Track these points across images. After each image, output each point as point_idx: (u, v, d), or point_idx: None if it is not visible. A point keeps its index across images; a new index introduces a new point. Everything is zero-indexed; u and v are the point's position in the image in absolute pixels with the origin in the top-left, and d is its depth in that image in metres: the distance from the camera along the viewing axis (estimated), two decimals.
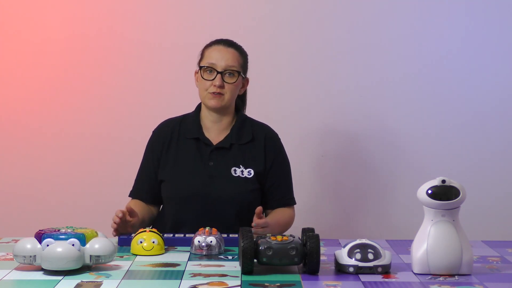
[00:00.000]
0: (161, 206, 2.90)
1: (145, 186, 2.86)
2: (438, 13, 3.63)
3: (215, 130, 2.86)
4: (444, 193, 2.13)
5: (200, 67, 2.82)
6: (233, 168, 2.81)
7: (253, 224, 2.57)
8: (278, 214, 2.83)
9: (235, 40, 2.90)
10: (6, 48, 3.66)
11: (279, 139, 2.92)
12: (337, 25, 3.63)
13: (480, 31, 3.63)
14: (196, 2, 3.64)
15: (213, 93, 2.78)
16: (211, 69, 2.79)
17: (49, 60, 3.66)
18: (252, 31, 3.59)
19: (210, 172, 2.80)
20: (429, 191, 2.14)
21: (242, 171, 2.81)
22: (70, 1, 3.65)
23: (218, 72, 2.78)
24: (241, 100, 2.93)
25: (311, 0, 3.63)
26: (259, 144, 2.86)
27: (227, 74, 2.79)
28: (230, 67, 2.79)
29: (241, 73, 2.82)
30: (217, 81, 2.78)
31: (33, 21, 3.65)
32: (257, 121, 2.93)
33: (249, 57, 2.91)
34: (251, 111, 2.96)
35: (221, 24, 3.57)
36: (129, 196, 2.89)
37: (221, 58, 2.80)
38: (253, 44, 3.40)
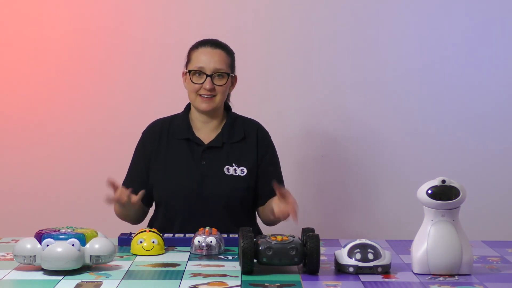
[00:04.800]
0: (154, 207, 2.90)
1: (135, 186, 2.85)
2: (434, 13, 3.62)
3: (205, 130, 2.86)
4: (444, 193, 2.14)
5: (189, 71, 2.81)
6: (226, 166, 2.81)
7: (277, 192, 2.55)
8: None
9: (230, 39, 2.90)
10: (4, 48, 3.67)
11: (269, 136, 2.92)
12: (334, 27, 3.62)
13: (479, 30, 3.62)
14: (187, 2, 3.64)
15: (204, 96, 2.78)
16: (200, 72, 2.79)
17: (44, 61, 3.65)
18: (244, 31, 3.59)
19: (202, 171, 2.80)
20: (429, 191, 2.14)
21: (235, 169, 2.81)
22: (65, 1, 3.65)
23: (207, 76, 2.78)
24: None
25: (305, 1, 3.62)
26: (250, 141, 2.86)
27: (216, 77, 2.79)
28: (218, 69, 2.79)
29: (230, 74, 2.82)
30: (207, 85, 2.77)
31: (28, 20, 3.65)
32: (247, 118, 2.93)
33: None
34: (239, 112, 2.95)
35: (214, 23, 3.57)
36: None
37: (209, 60, 2.79)
38: (247, 44, 3.42)
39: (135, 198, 2.63)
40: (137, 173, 2.86)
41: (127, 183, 2.87)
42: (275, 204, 2.62)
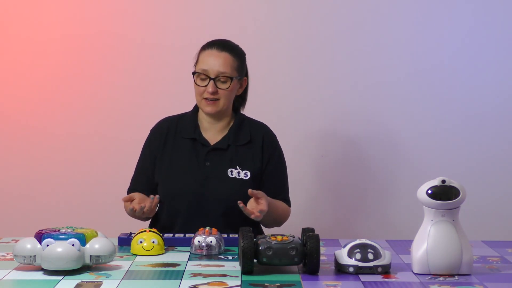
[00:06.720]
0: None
1: (143, 184, 2.85)
2: (438, 14, 3.63)
3: (212, 130, 2.86)
4: (444, 193, 2.14)
5: (194, 73, 2.81)
6: (230, 169, 2.81)
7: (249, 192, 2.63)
8: (276, 200, 2.83)
9: (235, 40, 2.89)
10: (5, 48, 3.67)
11: (276, 139, 2.92)
12: (338, 27, 3.62)
13: (480, 32, 3.62)
14: (195, 2, 3.64)
15: (208, 99, 2.78)
16: (204, 75, 2.79)
17: (47, 60, 3.65)
18: (253, 31, 3.59)
19: (206, 172, 2.80)
20: (429, 191, 2.14)
21: (238, 173, 2.81)
22: (69, 1, 3.65)
23: (210, 79, 2.77)
24: (241, 98, 2.93)
25: (312, 2, 3.63)
26: (256, 145, 2.86)
27: (220, 80, 2.78)
28: (222, 73, 2.77)
29: (236, 77, 2.80)
30: (210, 88, 2.77)
31: (32, 21, 3.65)
32: (255, 120, 2.93)
33: (251, 58, 2.91)
34: (251, 112, 2.96)
35: (221, 24, 3.57)
36: (127, 194, 2.89)
37: (213, 63, 2.78)
38: (254, 45, 3.41)
39: (153, 208, 2.71)
40: (143, 170, 2.87)
41: (135, 180, 2.89)
42: (249, 202, 2.67)
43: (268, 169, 2.85)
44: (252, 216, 2.60)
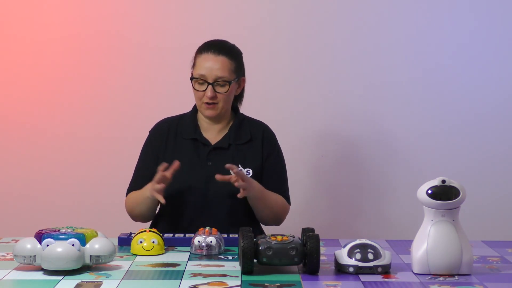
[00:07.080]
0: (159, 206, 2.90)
1: (143, 184, 2.85)
2: (438, 15, 3.63)
3: (213, 130, 2.86)
4: (444, 193, 2.14)
5: (192, 78, 2.81)
6: None
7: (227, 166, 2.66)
8: (270, 192, 2.82)
9: (235, 40, 2.88)
10: (5, 48, 3.67)
11: (275, 137, 2.92)
12: (337, 27, 3.63)
13: (479, 32, 3.63)
14: (195, 2, 3.64)
15: (207, 103, 2.78)
16: (202, 80, 2.79)
17: (48, 61, 3.65)
18: (253, 31, 3.59)
19: (208, 172, 2.80)
20: (429, 191, 2.14)
21: (240, 171, 2.81)
22: (69, 2, 3.65)
23: (209, 84, 2.78)
24: (238, 95, 2.93)
25: (312, 2, 3.63)
26: (257, 144, 2.87)
27: (218, 85, 2.78)
28: (220, 78, 2.77)
29: (234, 80, 2.80)
30: (209, 93, 2.77)
31: (31, 21, 3.65)
32: (254, 119, 2.93)
33: (250, 58, 2.90)
34: (251, 112, 2.96)
35: (221, 24, 3.57)
36: (127, 195, 2.88)
37: (211, 68, 2.77)
38: (254, 45, 3.42)
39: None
40: (146, 170, 2.85)
41: (136, 180, 2.87)
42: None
43: (267, 166, 2.86)
44: (236, 184, 2.65)
